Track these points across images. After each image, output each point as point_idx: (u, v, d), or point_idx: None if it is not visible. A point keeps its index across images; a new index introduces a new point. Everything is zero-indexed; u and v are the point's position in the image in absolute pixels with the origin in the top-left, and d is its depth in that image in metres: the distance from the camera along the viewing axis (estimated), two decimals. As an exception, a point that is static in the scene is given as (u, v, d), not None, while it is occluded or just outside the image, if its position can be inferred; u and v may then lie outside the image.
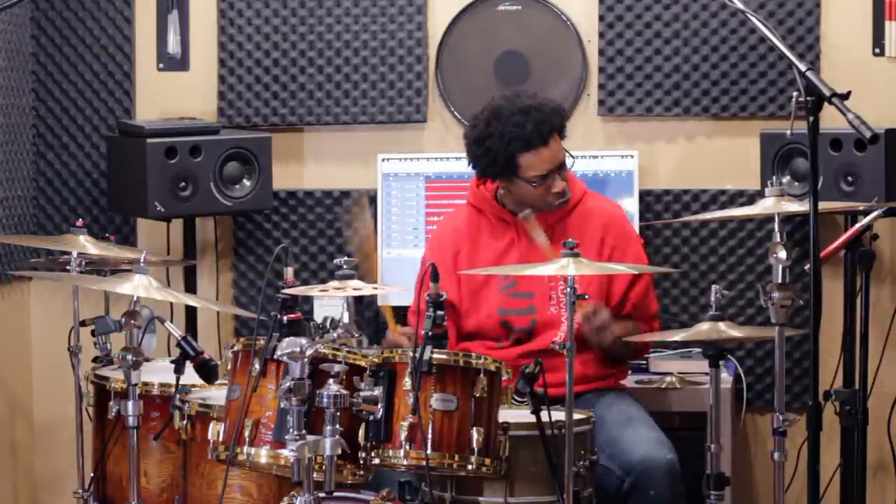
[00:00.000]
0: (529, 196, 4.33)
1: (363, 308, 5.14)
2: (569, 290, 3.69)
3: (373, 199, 5.16)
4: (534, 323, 4.35)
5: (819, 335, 3.43)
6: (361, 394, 3.57)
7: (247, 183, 5.01)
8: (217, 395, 4.00)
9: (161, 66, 5.29)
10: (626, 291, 4.39)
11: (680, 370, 4.79)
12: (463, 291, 4.39)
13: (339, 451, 3.45)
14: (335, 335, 3.69)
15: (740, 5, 3.73)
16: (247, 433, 3.62)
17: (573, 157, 4.41)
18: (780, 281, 3.51)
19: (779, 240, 3.52)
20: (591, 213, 4.42)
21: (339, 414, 3.43)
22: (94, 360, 4.42)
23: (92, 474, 4.30)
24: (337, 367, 3.46)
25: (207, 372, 3.86)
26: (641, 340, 4.23)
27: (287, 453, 3.41)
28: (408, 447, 3.59)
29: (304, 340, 3.43)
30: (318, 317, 4.54)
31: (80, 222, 4.52)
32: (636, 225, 4.90)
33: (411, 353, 3.63)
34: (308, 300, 4.81)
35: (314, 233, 5.25)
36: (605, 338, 4.25)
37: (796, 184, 4.81)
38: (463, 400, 3.64)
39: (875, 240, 4.58)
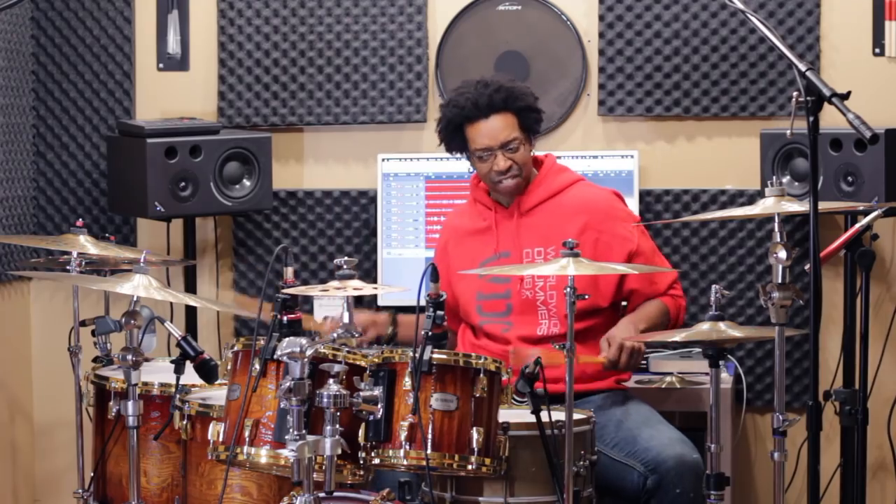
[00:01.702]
0: (481, 172, 4.40)
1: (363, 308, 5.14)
2: (569, 290, 3.69)
3: (372, 200, 5.17)
4: (509, 308, 4.37)
5: (819, 335, 3.43)
6: (361, 394, 3.57)
7: (247, 183, 5.01)
8: (217, 395, 4.00)
9: (161, 66, 5.29)
10: (620, 282, 4.37)
11: (680, 370, 4.79)
12: (449, 276, 4.42)
13: (339, 451, 3.45)
14: (335, 335, 3.69)
15: (740, 5, 3.73)
16: (247, 433, 3.62)
17: (526, 144, 4.37)
18: (780, 281, 3.51)
19: (779, 240, 3.51)
20: (573, 202, 4.41)
21: (339, 414, 3.43)
22: (94, 360, 4.43)
23: (92, 474, 4.30)
24: (337, 367, 3.45)
25: (207, 372, 3.86)
26: (666, 334, 4.21)
27: (287, 453, 3.40)
28: (408, 447, 3.59)
29: (304, 340, 3.43)
30: (318, 317, 4.54)
31: (80, 222, 4.51)
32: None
33: (411, 353, 3.63)
34: (308, 300, 4.80)
35: (314, 233, 5.25)
36: (639, 356, 4.25)
37: (796, 184, 4.81)
38: (463, 400, 3.64)
39: (875, 240, 4.58)
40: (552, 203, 4.41)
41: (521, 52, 5.16)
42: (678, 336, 3.94)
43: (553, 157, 4.53)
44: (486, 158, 4.34)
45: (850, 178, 4.68)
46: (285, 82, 5.23)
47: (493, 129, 4.34)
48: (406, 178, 5.10)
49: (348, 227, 5.24)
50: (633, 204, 4.94)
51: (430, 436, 3.61)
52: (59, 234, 5.11)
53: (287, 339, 3.45)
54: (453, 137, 4.40)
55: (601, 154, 5.04)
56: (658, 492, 4.07)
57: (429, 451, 3.59)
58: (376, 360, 3.67)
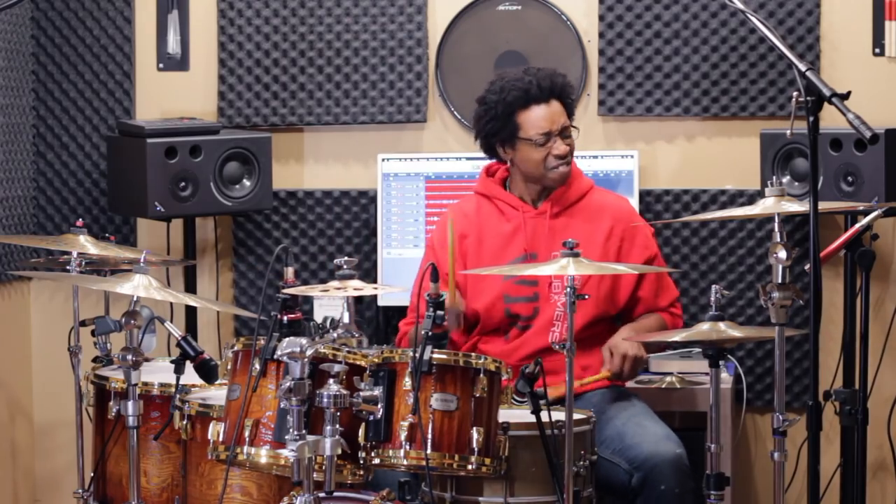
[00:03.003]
0: (532, 161, 4.35)
1: (363, 308, 5.14)
2: (569, 290, 3.69)
3: (372, 200, 5.17)
4: (536, 311, 4.35)
5: (819, 335, 3.43)
6: (361, 394, 3.57)
7: (247, 183, 5.01)
8: (217, 395, 4.00)
9: (161, 66, 5.29)
10: (633, 291, 4.39)
11: (680, 370, 4.79)
12: (468, 276, 4.39)
13: (339, 451, 3.45)
14: (335, 335, 3.69)
15: (740, 5, 3.73)
16: (247, 433, 3.62)
17: (577, 129, 4.41)
18: (780, 281, 3.51)
19: (779, 240, 3.51)
20: (597, 207, 4.43)
21: (339, 414, 3.43)
22: (94, 360, 4.43)
23: (92, 474, 4.30)
24: (337, 367, 3.45)
25: (207, 372, 3.86)
26: (667, 334, 4.22)
27: (287, 453, 3.40)
28: (408, 447, 3.59)
29: (304, 340, 3.43)
30: (318, 317, 4.54)
31: (80, 222, 4.52)
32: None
33: (411, 353, 3.63)
34: (308, 300, 4.80)
35: (314, 233, 5.25)
36: (641, 365, 4.29)
37: (796, 184, 4.81)
38: (463, 400, 3.64)
39: (875, 240, 4.58)
40: (579, 206, 4.41)
41: (521, 52, 5.16)
42: (678, 336, 3.94)
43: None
44: (543, 144, 4.33)
45: (850, 178, 4.68)
46: (285, 82, 5.23)
47: (554, 113, 4.35)
48: (406, 178, 5.10)
49: (348, 227, 5.24)
50: (633, 204, 4.94)
51: (430, 436, 3.61)
52: (59, 234, 5.11)
53: (287, 339, 3.45)
54: (504, 125, 4.35)
55: (601, 154, 5.04)
56: (643, 489, 4.07)
57: (429, 451, 3.59)
58: (376, 360, 3.67)
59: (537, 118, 4.33)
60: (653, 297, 4.42)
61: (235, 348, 3.77)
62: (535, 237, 4.37)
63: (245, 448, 3.63)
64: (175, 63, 5.28)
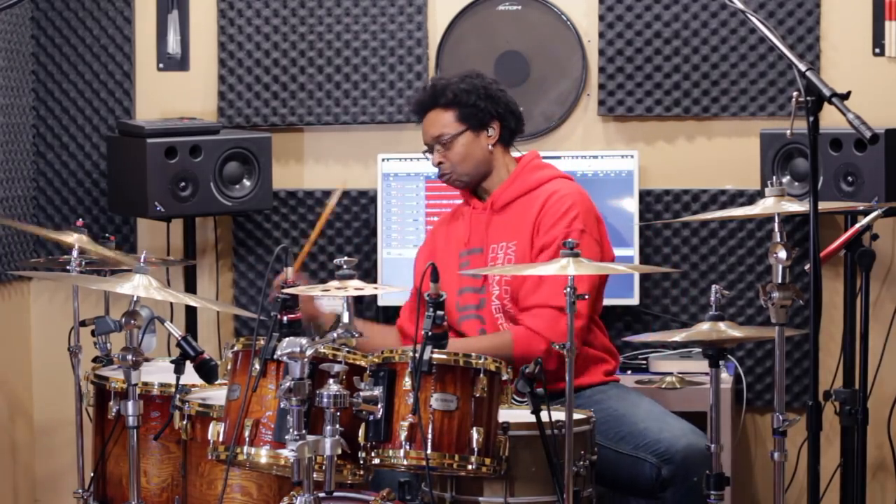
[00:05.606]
0: None
1: (363, 308, 5.14)
2: (569, 289, 3.68)
3: (372, 200, 5.17)
4: (483, 302, 4.37)
5: (819, 335, 3.43)
6: (361, 394, 3.57)
7: (247, 183, 5.02)
8: (217, 395, 4.00)
9: (161, 66, 5.29)
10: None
11: (680, 370, 4.79)
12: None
13: (339, 451, 3.45)
14: (335, 335, 3.69)
15: (740, 5, 3.73)
16: (247, 433, 3.62)
17: (480, 136, 4.37)
18: (780, 281, 3.51)
19: (779, 240, 3.51)
20: (541, 199, 4.35)
21: (339, 414, 3.43)
22: (94, 360, 4.43)
23: (92, 474, 4.30)
24: (337, 367, 3.45)
25: (207, 372, 3.86)
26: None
27: (287, 453, 3.40)
28: (408, 447, 3.59)
29: (304, 340, 3.42)
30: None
31: (80, 222, 4.52)
32: (634, 225, 4.91)
33: (411, 353, 3.63)
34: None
35: (314, 233, 5.25)
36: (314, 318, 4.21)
37: (796, 184, 4.81)
38: (463, 400, 3.64)
39: (875, 240, 4.57)
40: (525, 200, 4.38)
41: (521, 52, 5.17)
42: (678, 336, 3.94)
43: (533, 154, 4.47)
44: (428, 154, 4.44)
45: (850, 178, 4.68)
46: (285, 82, 5.23)
47: (426, 126, 4.43)
48: (406, 178, 5.10)
49: (348, 227, 5.24)
50: (633, 204, 4.95)
51: (430, 436, 3.61)
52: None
53: (287, 339, 3.45)
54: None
55: (601, 154, 5.04)
56: (674, 481, 4.07)
57: (429, 451, 3.59)
58: (376, 360, 3.67)
59: (422, 130, 4.45)
60: (518, 292, 4.29)
61: (235, 348, 3.77)
62: (477, 231, 4.40)
63: (245, 448, 3.62)
64: (175, 63, 5.28)
